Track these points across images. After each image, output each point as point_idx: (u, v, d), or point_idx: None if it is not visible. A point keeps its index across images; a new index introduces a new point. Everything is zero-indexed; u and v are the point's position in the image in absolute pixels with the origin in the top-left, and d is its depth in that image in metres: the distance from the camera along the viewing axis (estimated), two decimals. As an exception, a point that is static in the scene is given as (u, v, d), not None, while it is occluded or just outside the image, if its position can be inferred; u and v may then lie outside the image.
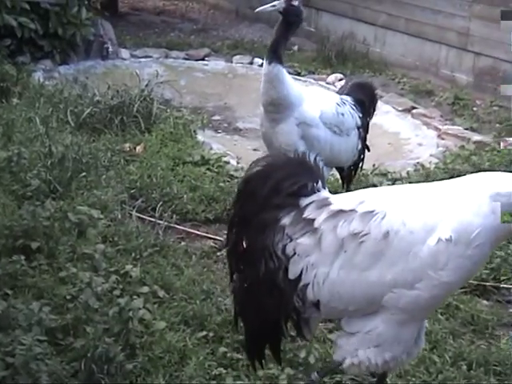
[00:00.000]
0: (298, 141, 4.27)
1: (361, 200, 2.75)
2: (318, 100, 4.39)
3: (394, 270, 2.63)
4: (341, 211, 2.72)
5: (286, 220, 2.75)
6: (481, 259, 2.73)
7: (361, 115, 4.56)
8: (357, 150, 4.62)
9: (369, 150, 4.82)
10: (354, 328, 2.75)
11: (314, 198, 2.76)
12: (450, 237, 2.59)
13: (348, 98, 4.57)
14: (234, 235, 2.84)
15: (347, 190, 4.91)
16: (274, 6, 4.26)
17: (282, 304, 2.77)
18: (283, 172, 2.78)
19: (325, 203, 2.76)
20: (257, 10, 4.40)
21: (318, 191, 2.78)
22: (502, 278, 4.52)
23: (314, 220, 2.73)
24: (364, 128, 4.63)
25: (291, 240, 2.74)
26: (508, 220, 2.60)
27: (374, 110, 4.74)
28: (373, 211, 2.68)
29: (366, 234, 2.65)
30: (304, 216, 2.74)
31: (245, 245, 2.79)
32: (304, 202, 2.75)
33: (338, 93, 4.82)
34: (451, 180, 2.85)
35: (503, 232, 2.69)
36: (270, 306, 2.79)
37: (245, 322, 2.97)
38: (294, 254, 2.74)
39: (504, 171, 5.83)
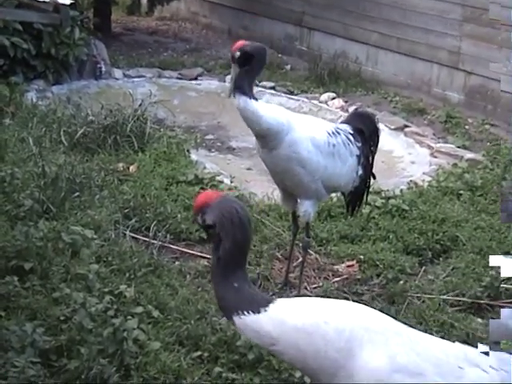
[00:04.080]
0: (295, 167, 4.24)
1: None
2: (309, 127, 4.32)
3: None
4: None
5: None
6: None
7: (359, 144, 4.50)
8: (357, 175, 4.49)
9: (374, 178, 4.72)
10: None
11: None
12: None
13: (346, 127, 4.52)
14: None
15: (352, 216, 4.90)
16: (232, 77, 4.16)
17: None
18: None
19: None
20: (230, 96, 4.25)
21: None
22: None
23: None
24: (365, 156, 4.52)
25: None
26: None
27: (378, 140, 4.66)
28: None
29: None
30: None
31: None
32: None
33: (340, 122, 4.79)
34: None
35: None
36: None
37: None
38: None
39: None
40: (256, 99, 4.12)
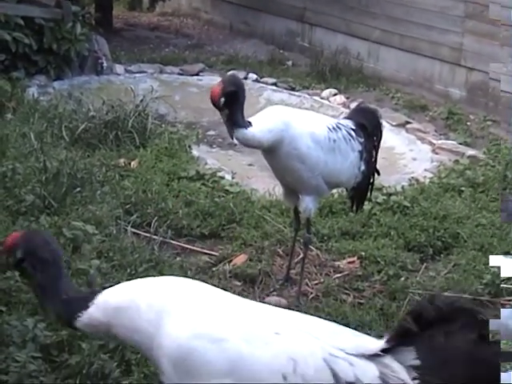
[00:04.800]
0: (295, 162, 4.24)
1: None
2: (308, 123, 4.29)
3: None
4: None
5: None
6: None
7: (362, 139, 4.45)
8: (359, 171, 4.45)
9: (379, 174, 4.68)
10: None
11: None
12: None
13: (348, 122, 4.50)
14: None
15: (356, 212, 4.88)
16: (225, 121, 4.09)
17: None
18: None
19: None
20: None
21: None
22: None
23: None
24: (368, 151, 4.49)
25: None
26: None
27: (381, 136, 4.60)
28: None
29: None
30: None
31: None
32: None
33: (343, 117, 4.77)
34: None
35: None
36: None
37: None
38: None
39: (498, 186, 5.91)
40: (250, 123, 4.07)
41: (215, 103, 4.01)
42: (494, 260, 3.73)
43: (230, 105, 4.01)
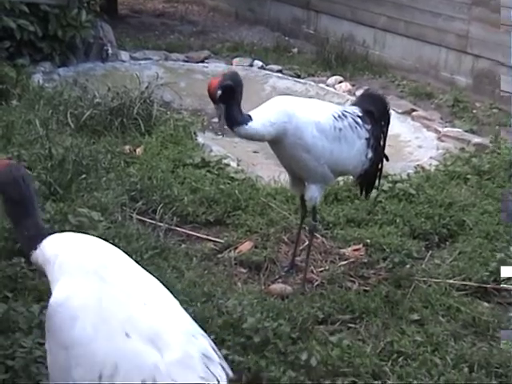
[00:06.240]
0: (300, 152, 4.22)
1: None
2: (313, 112, 4.26)
3: None
4: None
5: None
6: None
7: (369, 126, 4.42)
8: (366, 158, 4.41)
9: (387, 160, 4.65)
10: None
11: None
12: None
13: (355, 109, 4.47)
14: None
15: (366, 198, 4.87)
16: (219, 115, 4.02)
17: None
18: None
19: None
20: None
21: None
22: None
23: None
24: (376, 138, 4.45)
25: None
26: None
27: (389, 122, 4.56)
28: None
29: None
30: None
31: None
32: None
33: (350, 104, 4.73)
34: None
35: None
36: None
37: None
38: None
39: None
40: (250, 116, 4.03)
41: (212, 95, 3.95)
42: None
43: (227, 100, 3.96)
